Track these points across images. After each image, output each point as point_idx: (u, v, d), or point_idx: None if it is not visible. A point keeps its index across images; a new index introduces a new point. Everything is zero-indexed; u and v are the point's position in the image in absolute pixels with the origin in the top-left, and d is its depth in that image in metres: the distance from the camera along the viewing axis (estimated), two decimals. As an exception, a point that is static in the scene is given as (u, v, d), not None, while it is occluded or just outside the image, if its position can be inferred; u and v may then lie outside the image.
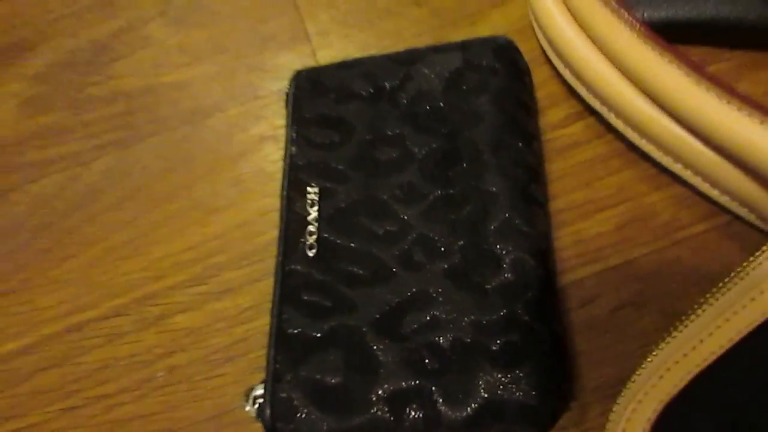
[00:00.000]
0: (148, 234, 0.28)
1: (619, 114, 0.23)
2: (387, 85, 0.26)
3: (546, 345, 0.20)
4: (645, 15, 0.24)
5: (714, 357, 0.17)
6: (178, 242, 0.27)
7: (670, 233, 0.23)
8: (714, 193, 0.22)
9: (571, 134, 0.25)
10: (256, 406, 0.21)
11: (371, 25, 0.30)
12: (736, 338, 0.17)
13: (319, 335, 0.21)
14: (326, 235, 0.23)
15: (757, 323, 0.17)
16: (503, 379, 0.19)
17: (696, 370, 0.17)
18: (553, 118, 0.26)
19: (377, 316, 0.21)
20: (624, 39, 0.22)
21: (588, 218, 0.24)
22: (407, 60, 0.26)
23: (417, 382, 0.20)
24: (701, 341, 0.17)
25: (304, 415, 0.20)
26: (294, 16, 0.32)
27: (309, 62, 0.30)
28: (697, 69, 0.20)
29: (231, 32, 0.32)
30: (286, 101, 0.27)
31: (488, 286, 0.21)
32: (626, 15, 0.22)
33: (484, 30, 0.29)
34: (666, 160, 0.23)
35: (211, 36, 0.32)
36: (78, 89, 0.32)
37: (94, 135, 0.31)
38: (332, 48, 0.30)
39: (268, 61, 0.31)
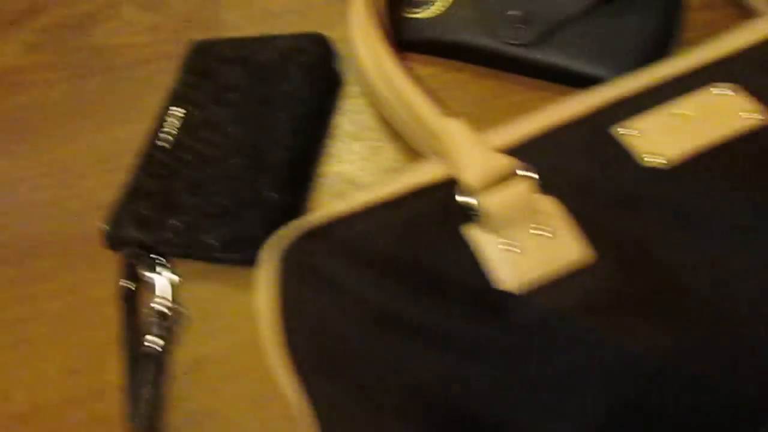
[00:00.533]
0: (80, 131, 0.41)
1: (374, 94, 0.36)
2: (245, 54, 0.39)
3: (276, 206, 0.32)
4: (405, 36, 0.37)
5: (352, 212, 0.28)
6: (95, 137, 0.41)
7: (393, 167, 0.35)
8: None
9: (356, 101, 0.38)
10: (104, 225, 0.34)
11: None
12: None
13: (151, 188, 0.34)
14: (178, 136, 0.36)
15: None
16: (243, 220, 0.32)
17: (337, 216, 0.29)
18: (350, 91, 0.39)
19: (189, 183, 0.34)
20: (377, 51, 0.34)
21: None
22: (261, 41, 0.39)
23: (196, 219, 0.32)
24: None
25: (127, 229, 0.33)
26: (216, 12, 0.46)
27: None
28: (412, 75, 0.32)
29: (172, 16, 0.46)
30: (184, 57, 0.40)
31: (258, 172, 0.33)
32: (383, 36, 0.34)
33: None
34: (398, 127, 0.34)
35: (162, 18, 0.46)
36: (64, 41, 0.47)
37: (65, 70, 0.45)
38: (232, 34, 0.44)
39: (187, 36, 0.44)
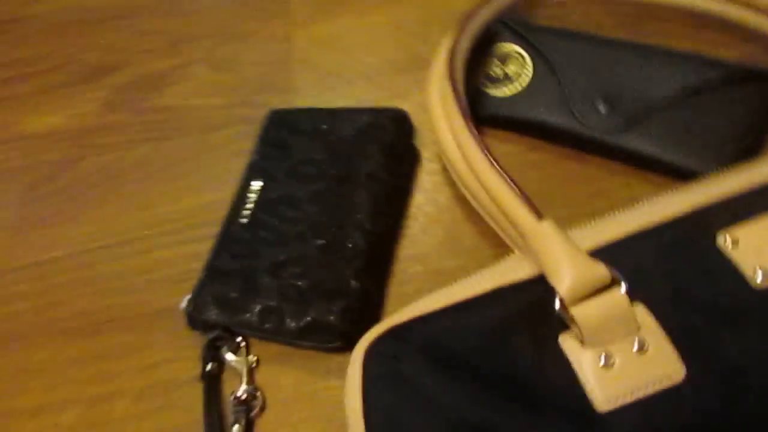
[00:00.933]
0: (158, 197, 0.42)
1: (456, 175, 0.35)
2: (323, 127, 0.39)
3: (357, 294, 0.32)
4: (483, 111, 0.37)
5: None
6: (173, 205, 0.41)
7: (472, 252, 0.35)
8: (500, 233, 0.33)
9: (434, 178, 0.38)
10: (185, 304, 0.34)
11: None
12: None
13: (232, 268, 0.34)
14: (257, 212, 0.37)
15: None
16: (325, 308, 0.32)
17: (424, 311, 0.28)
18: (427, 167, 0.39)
19: (269, 264, 0.34)
20: (459, 132, 0.33)
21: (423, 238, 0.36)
22: (338, 113, 0.39)
23: (277, 303, 0.32)
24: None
25: (210, 311, 0.33)
26: (288, 76, 0.46)
27: (285, 105, 0.44)
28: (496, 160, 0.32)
29: (245, 79, 0.47)
30: (261, 126, 0.41)
31: (338, 256, 0.33)
32: (465, 115, 0.34)
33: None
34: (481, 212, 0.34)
35: (232, 79, 0.47)
36: (140, 100, 0.48)
37: (143, 131, 0.46)
38: (304, 100, 0.44)
39: (260, 100, 0.45)
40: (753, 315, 0.26)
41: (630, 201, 0.30)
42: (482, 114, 0.39)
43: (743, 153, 0.32)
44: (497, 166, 0.32)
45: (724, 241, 0.28)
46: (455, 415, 0.26)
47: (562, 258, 0.28)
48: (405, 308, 0.29)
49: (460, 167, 0.34)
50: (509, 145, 0.38)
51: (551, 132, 0.37)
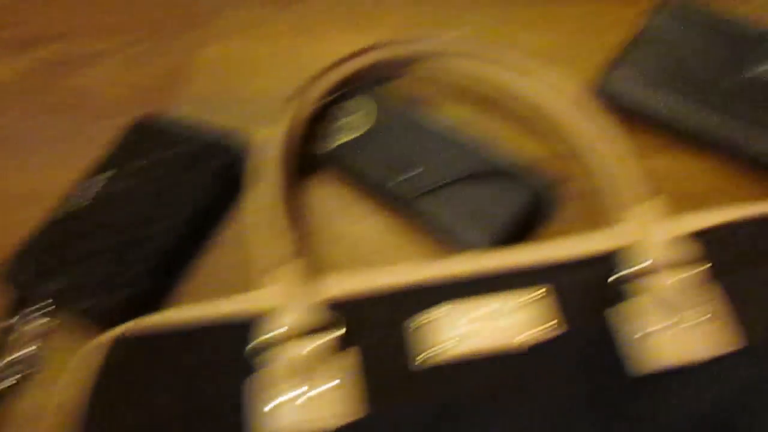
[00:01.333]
0: (35, 167, 0.47)
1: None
2: (171, 140, 0.44)
3: (143, 289, 0.37)
4: (323, 158, 0.42)
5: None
6: (47, 176, 0.46)
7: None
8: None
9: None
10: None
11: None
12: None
13: (53, 243, 0.39)
14: (97, 199, 0.41)
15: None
16: (110, 296, 0.36)
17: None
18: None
19: (86, 248, 0.39)
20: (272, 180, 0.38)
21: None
22: (190, 130, 0.44)
23: (76, 282, 0.37)
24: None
25: (19, 277, 0.38)
26: (179, 84, 0.51)
27: (165, 111, 0.48)
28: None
29: (148, 78, 0.52)
30: (128, 124, 0.46)
31: (141, 254, 0.38)
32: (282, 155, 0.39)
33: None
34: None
35: (138, 75, 0.52)
36: (53, 76, 0.53)
37: (45, 104, 0.51)
38: (185, 110, 0.49)
39: (151, 99, 0.50)
40: (422, 385, 0.31)
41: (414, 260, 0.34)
42: (319, 158, 0.43)
43: (510, 237, 0.37)
44: (281, 206, 0.36)
45: (417, 324, 0.32)
46: (148, 416, 0.31)
47: (283, 298, 0.32)
48: (162, 313, 0.34)
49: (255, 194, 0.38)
50: (339, 191, 0.43)
51: (367, 186, 0.41)
